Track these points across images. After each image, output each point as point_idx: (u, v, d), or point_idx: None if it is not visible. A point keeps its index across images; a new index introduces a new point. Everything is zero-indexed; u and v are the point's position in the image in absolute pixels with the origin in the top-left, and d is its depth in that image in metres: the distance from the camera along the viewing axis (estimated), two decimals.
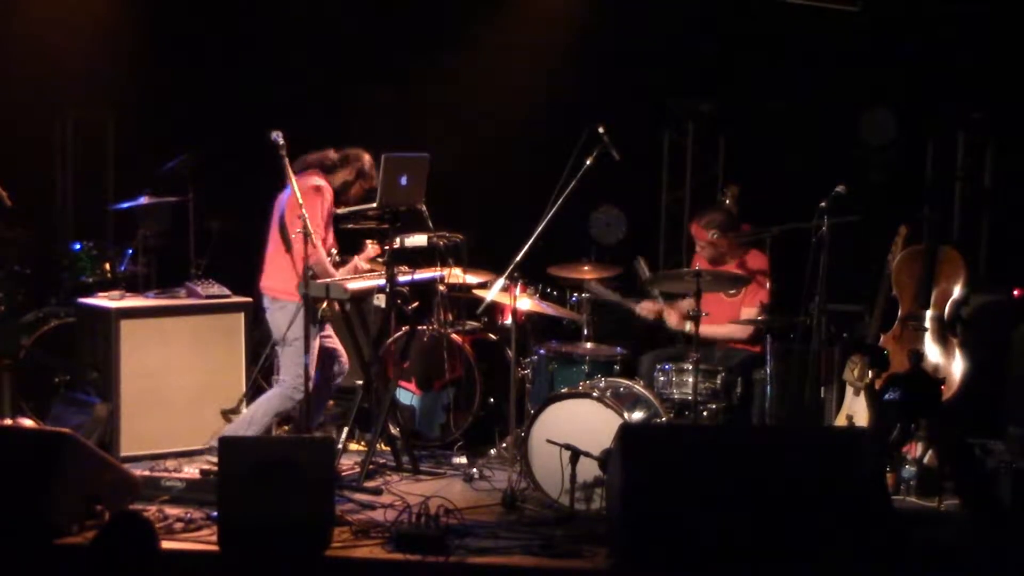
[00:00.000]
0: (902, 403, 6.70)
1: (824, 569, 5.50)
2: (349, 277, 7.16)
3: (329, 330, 7.15)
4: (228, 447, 5.83)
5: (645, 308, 7.53)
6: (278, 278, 6.87)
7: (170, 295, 7.59)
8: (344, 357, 7.21)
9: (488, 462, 7.36)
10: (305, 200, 6.60)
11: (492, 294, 7.19)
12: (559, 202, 6.91)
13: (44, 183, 9.43)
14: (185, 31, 9.30)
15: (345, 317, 7.33)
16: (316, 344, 6.85)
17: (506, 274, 6.96)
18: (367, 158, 7.02)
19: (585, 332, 7.39)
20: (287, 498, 5.61)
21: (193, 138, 8.48)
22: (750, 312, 7.24)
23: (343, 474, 6.79)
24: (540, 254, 7.13)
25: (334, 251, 7.05)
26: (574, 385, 6.92)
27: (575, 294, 7.65)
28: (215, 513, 5.81)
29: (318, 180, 6.90)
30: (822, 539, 5.51)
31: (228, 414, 7.29)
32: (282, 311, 6.85)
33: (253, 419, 6.88)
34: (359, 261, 7.17)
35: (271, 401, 6.93)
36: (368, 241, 7.23)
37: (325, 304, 6.91)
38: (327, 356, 7.08)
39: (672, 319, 7.44)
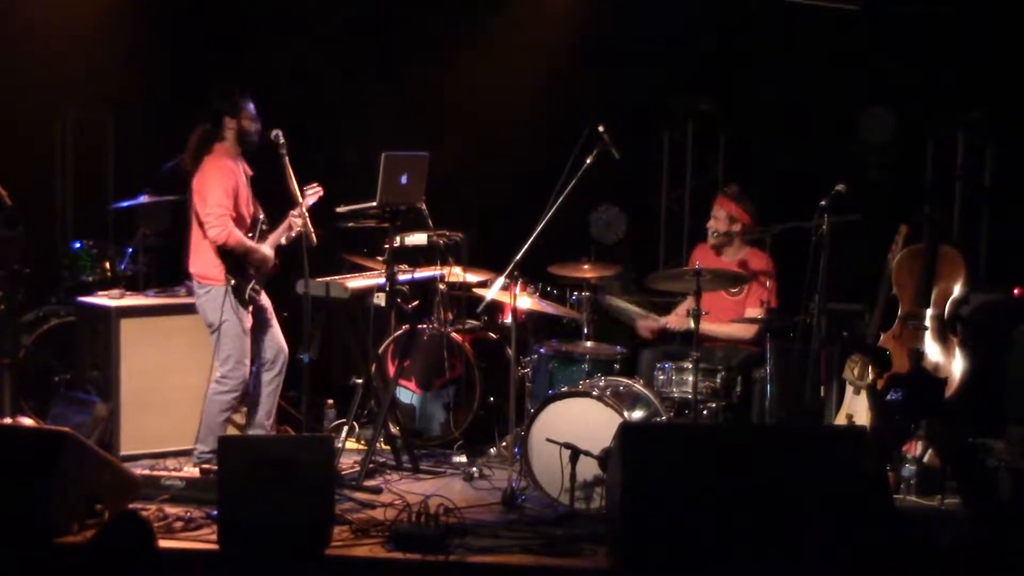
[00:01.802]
0: (905, 403, 6.70)
1: (824, 569, 5.50)
2: (348, 276, 7.16)
3: (267, 304, 7.00)
4: (228, 447, 5.83)
5: (643, 329, 7.53)
6: (201, 263, 6.81)
7: (170, 294, 7.59)
8: (284, 346, 7.06)
9: (488, 461, 7.36)
10: (210, 188, 6.65)
11: (492, 293, 7.20)
12: (559, 201, 6.91)
13: (44, 183, 9.43)
14: (185, 31, 9.29)
15: (350, 315, 7.33)
16: (248, 324, 6.80)
17: (506, 273, 6.96)
18: (222, 96, 6.85)
19: (585, 331, 7.39)
20: (287, 497, 5.61)
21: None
22: (754, 312, 7.23)
23: (343, 473, 6.80)
24: (540, 253, 7.13)
25: (261, 218, 6.91)
26: (574, 384, 6.92)
27: (575, 293, 7.65)
28: (215, 512, 5.81)
29: (215, 161, 6.76)
30: (822, 539, 5.51)
31: None
32: (208, 295, 6.78)
33: (210, 427, 6.81)
34: (292, 217, 6.84)
35: (212, 403, 6.83)
36: (306, 188, 6.95)
37: (254, 283, 6.80)
38: (265, 340, 6.97)
39: (673, 320, 7.45)
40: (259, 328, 6.92)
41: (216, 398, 6.82)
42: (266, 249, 6.81)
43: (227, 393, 6.81)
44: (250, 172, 6.91)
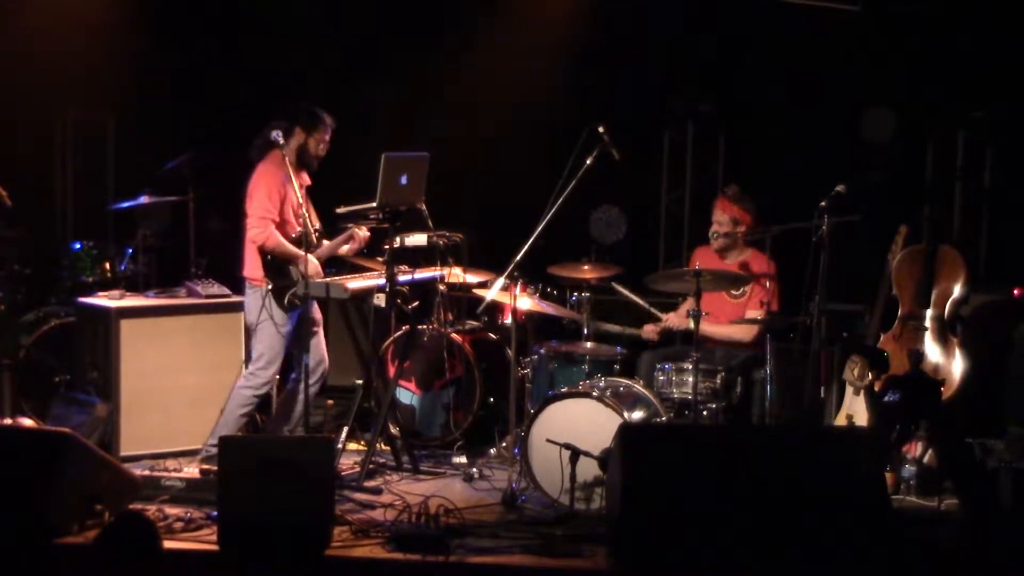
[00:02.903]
0: (902, 405, 6.70)
1: (824, 569, 5.50)
2: (348, 276, 7.16)
3: (318, 316, 7.07)
4: (228, 447, 5.83)
5: (648, 332, 7.53)
6: (249, 264, 6.90)
7: (170, 295, 7.60)
8: (325, 357, 7.13)
9: (488, 462, 7.36)
10: (256, 190, 6.74)
11: (492, 293, 7.19)
12: (559, 202, 6.91)
13: (44, 183, 9.43)
14: (185, 31, 9.30)
15: (350, 316, 7.33)
16: (285, 328, 6.85)
17: (506, 273, 6.95)
18: (309, 111, 6.90)
19: (585, 332, 7.39)
20: (287, 498, 5.60)
21: (193, 138, 8.48)
22: (755, 314, 7.22)
23: (343, 474, 6.80)
24: (540, 254, 7.13)
25: (316, 227, 6.93)
26: (574, 384, 6.92)
27: (575, 294, 7.65)
28: (215, 513, 5.81)
29: (267, 166, 6.83)
30: (822, 539, 5.51)
31: None
32: (253, 295, 6.89)
33: (227, 421, 6.89)
34: (355, 228, 6.93)
35: (235, 395, 6.92)
36: (356, 227, 7.00)
37: (296, 288, 6.77)
38: (309, 349, 6.94)
39: (673, 319, 7.44)
40: (303, 336, 6.92)
41: (241, 392, 6.90)
42: (312, 259, 6.78)
43: (251, 389, 6.89)
44: (308, 183, 6.99)
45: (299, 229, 6.78)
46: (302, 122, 6.88)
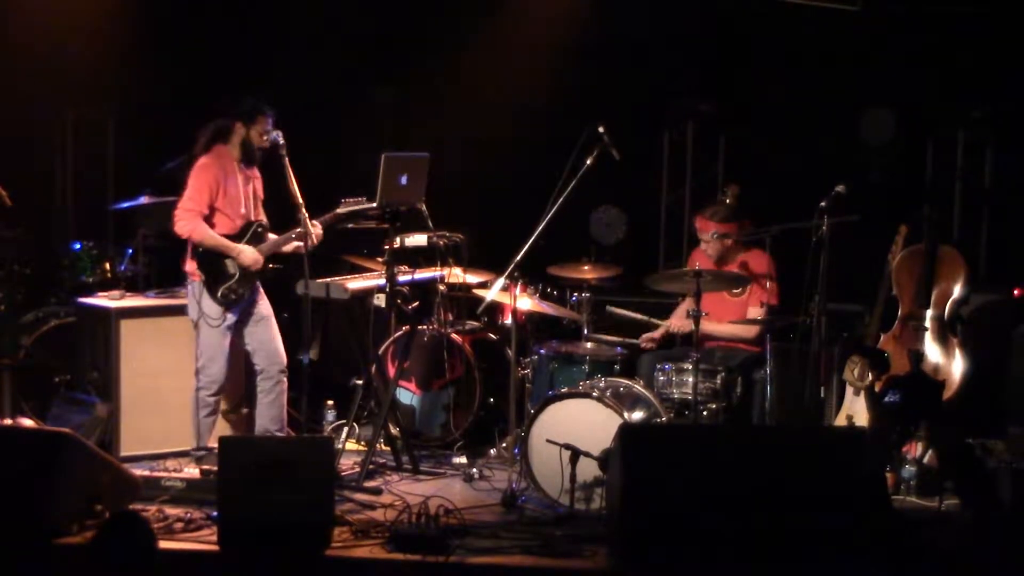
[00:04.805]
0: (902, 406, 6.70)
1: (824, 569, 5.50)
2: (348, 277, 7.16)
3: (263, 310, 6.97)
4: (228, 447, 5.83)
5: (645, 340, 7.50)
6: (186, 258, 6.90)
7: (170, 295, 7.59)
8: (279, 352, 7.01)
9: (488, 462, 7.36)
10: (190, 183, 6.75)
11: (492, 294, 7.19)
12: (559, 202, 6.91)
13: (44, 183, 9.43)
14: (185, 31, 9.30)
15: (350, 316, 7.34)
16: (222, 323, 6.80)
17: (506, 274, 6.95)
18: (245, 103, 6.85)
19: (585, 332, 7.39)
20: (287, 498, 5.61)
21: (193, 138, 8.46)
22: (755, 312, 7.22)
23: (343, 474, 6.79)
24: (540, 254, 7.13)
25: (258, 222, 6.90)
26: (574, 385, 6.91)
27: (575, 294, 7.65)
28: (215, 513, 5.81)
29: (205, 159, 6.81)
30: (822, 539, 5.51)
31: (227, 414, 7.30)
32: (190, 290, 6.92)
33: (195, 425, 6.92)
34: (298, 232, 6.77)
35: (193, 400, 6.92)
36: (314, 221, 6.84)
37: (232, 283, 6.76)
38: (255, 347, 6.96)
39: (675, 323, 7.43)
40: (248, 335, 6.94)
41: (196, 394, 6.91)
42: (249, 250, 6.79)
43: (202, 390, 6.88)
44: (256, 177, 6.97)
45: (240, 224, 6.80)
46: (240, 116, 6.83)
